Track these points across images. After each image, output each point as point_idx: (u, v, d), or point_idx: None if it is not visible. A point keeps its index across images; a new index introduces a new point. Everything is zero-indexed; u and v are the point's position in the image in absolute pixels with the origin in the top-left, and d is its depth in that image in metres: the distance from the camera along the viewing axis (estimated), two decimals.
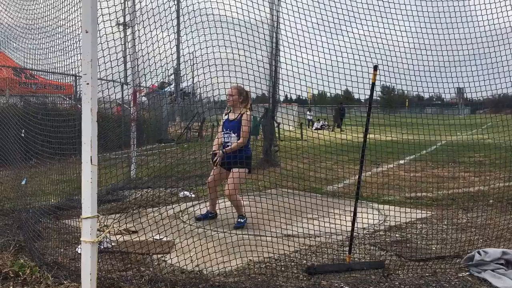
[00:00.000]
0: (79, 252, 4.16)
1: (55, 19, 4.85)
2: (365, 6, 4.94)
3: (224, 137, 5.91)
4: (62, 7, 4.61)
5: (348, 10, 4.86)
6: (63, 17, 4.62)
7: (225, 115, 6.04)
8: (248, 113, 5.83)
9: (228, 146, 5.81)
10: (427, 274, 4.19)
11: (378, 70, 4.32)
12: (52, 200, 6.35)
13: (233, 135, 5.81)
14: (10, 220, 5.77)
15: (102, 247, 4.57)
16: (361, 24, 4.97)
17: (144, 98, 16.25)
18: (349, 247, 4.52)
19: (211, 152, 5.92)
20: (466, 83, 5.10)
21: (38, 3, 5.28)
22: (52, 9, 4.92)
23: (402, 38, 4.97)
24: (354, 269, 4.29)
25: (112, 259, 4.32)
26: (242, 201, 5.81)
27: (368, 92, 4.34)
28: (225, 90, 5.64)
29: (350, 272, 4.25)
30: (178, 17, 5.90)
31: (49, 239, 5.09)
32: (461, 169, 10.88)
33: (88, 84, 3.16)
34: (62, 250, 4.71)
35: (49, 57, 5.45)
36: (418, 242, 5.23)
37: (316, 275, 4.15)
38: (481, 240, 5.16)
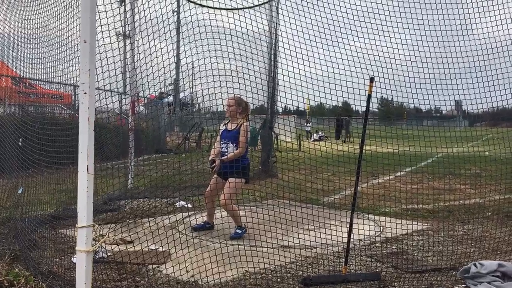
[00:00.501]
0: (74, 261, 4.15)
1: (54, 29, 4.89)
2: (363, 19, 5.00)
3: (222, 147, 5.92)
4: (61, 17, 4.65)
5: (345, 23, 4.91)
6: (62, 27, 4.66)
7: (223, 125, 6.06)
8: (246, 123, 5.85)
9: (225, 156, 5.83)
10: (423, 286, 4.18)
11: (374, 82, 4.36)
12: (49, 210, 6.34)
13: (230, 145, 5.82)
14: (6, 229, 5.75)
15: (97, 256, 4.56)
16: (357, 36, 5.02)
17: (142, 108, 16.27)
18: (345, 258, 4.51)
19: (209, 159, 5.93)
20: (464, 95, 5.14)
21: (38, 13, 5.32)
22: (52, 19, 4.96)
23: (400, 50, 5.02)
24: (350, 280, 4.28)
25: (107, 269, 4.31)
26: (238, 211, 5.80)
27: (364, 104, 4.37)
28: (222, 100, 5.68)
29: (346, 283, 4.24)
30: (177, 28, 5.94)
31: (45, 248, 5.07)
32: (458, 181, 10.89)
33: (85, 93, 3.18)
34: (57, 259, 4.69)
35: (48, 66, 5.48)
36: (415, 254, 5.22)
37: (312, 287, 4.13)
38: (478, 253, 5.15)
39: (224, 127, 6.00)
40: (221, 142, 5.94)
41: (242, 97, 5.64)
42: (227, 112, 5.98)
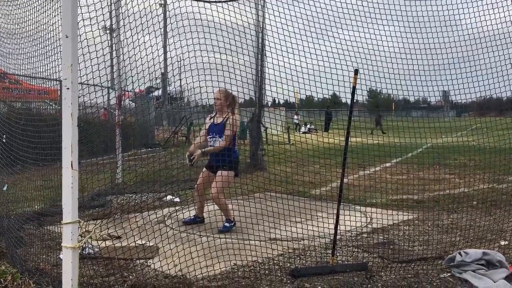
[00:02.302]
0: (61, 258, 4.13)
1: (36, 23, 4.83)
2: (350, 12, 5.00)
3: (209, 141, 5.90)
4: (43, 12, 4.59)
5: (333, 16, 4.91)
6: (45, 22, 4.60)
7: (210, 118, 6.03)
8: (233, 117, 5.82)
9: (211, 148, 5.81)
10: (409, 276, 4.23)
11: (361, 74, 4.37)
12: (36, 206, 6.29)
13: (219, 139, 5.80)
14: None
15: (84, 252, 4.54)
16: (347, 29, 5.01)
17: (129, 102, 16.17)
18: (332, 249, 4.55)
19: (187, 154, 5.89)
20: (451, 85, 5.18)
21: (19, 7, 5.25)
22: (34, 14, 4.89)
23: (386, 42, 5.04)
24: (338, 271, 4.32)
25: (94, 264, 4.30)
26: (227, 205, 5.80)
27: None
28: (213, 94, 5.65)
29: (333, 274, 4.28)
30: (164, 21, 5.90)
31: (31, 245, 5.04)
32: (446, 171, 11.00)
33: (68, 89, 3.15)
34: (44, 256, 4.67)
35: (33, 61, 5.41)
36: (401, 244, 5.27)
37: (299, 278, 4.16)
38: (463, 241, 5.22)
39: (211, 121, 5.97)
40: (209, 136, 5.91)
41: (229, 90, 5.62)
42: (215, 105, 5.95)
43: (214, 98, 5.86)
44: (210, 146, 5.86)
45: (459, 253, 4.27)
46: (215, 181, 5.67)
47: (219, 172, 5.67)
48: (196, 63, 4.54)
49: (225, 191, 5.79)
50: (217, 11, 4.73)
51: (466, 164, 11.21)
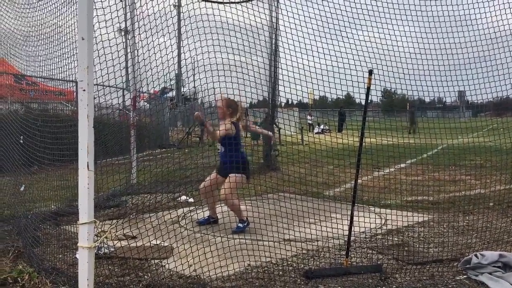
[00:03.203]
0: (77, 257, 4.18)
1: (53, 26, 4.90)
2: (366, 12, 4.98)
3: (218, 148, 6.01)
4: (60, 14, 4.66)
5: (348, 17, 4.90)
6: (61, 24, 4.67)
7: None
8: (228, 123, 5.80)
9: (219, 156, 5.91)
10: (424, 278, 4.19)
11: (375, 75, 4.35)
12: (52, 206, 6.38)
13: (220, 146, 5.90)
14: (9, 227, 5.79)
15: (100, 252, 4.59)
16: (356, 29, 5.00)
17: (144, 103, 16.28)
18: (346, 251, 4.53)
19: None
20: (467, 86, 5.13)
21: (36, 10, 5.33)
22: (51, 16, 4.97)
23: (402, 42, 5.01)
24: (352, 273, 4.30)
25: (110, 264, 4.34)
26: (239, 206, 5.82)
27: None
28: (227, 95, 5.66)
29: (347, 276, 4.26)
30: (179, 22, 5.93)
31: (48, 245, 5.11)
32: (462, 172, 10.87)
33: (84, 90, 3.19)
34: (60, 255, 4.73)
35: (49, 63, 5.49)
36: (417, 246, 5.23)
37: (313, 279, 4.15)
38: (480, 243, 5.15)
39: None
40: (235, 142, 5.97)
41: (233, 97, 5.61)
42: (218, 113, 6.02)
43: (217, 106, 5.92)
44: (218, 151, 5.95)
45: (475, 255, 4.22)
46: (225, 182, 5.72)
47: (230, 175, 5.71)
48: (215, 63, 4.57)
49: (236, 192, 5.82)
50: (231, 12, 4.75)
51: (483, 165, 11.08)
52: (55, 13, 4.80)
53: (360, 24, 4.97)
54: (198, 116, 5.70)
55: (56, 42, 5.00)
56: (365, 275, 4.27)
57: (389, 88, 5.47)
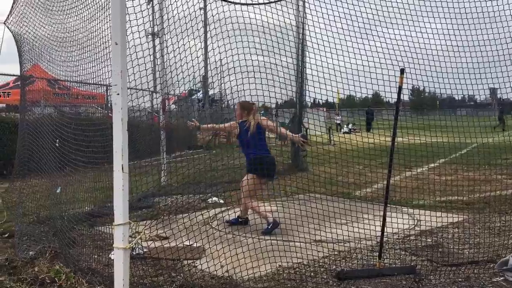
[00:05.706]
0: (112, 258, 4.26)
1: (86, 32, 5.01)
2: (396, 10, 4.91)
3: (243, 147, 6.23)
4: (93, 20, 4.76)
5: (376, 15, 4.84)
6: (95, 29, 4.76)
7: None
8: (259, 120, 6.05)
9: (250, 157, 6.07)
10: (460, 279, 4.11)
11: (405, 73, 4.29)
12: (86, 208, 6.52)
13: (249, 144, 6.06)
14: (46, 228, 5.95)
15: (134, 253, 4.66)
16: (392, 27, 4.93)
17: (173, 106, 16.47)
18: (379, 252, 4.48)
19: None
20: (500, 83, 4.99)
21: (70, 17, 5.46)
22: (84, 22, 5.08)
23: (431, 40, 4.92)
24: (385, 274, 4.25)
25: (144, 265, 4.41)
26: (259, 207, 5.86)
27: (396, 96, 4.30)
28: (251, 96, 5.71)
29: (380, 277, 4.21)
30: (205, 25, 5.98)
31: (83, 245, 5.23)
32: (496, 171, 10.60)
33: (118, 94, 3.25)
34: (96, 256, 4.83)
35: (82, 68, 5.62)
36: (451, 247, 5.13)
37: (346, 281, 4.13)
38: None
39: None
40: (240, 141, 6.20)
41: (246, 100, 5.70)
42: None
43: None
44: (244, 151, 6.19)
45: None
46: (241, 185, 5.91)
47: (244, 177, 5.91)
48: (239, 66, 4.59)
49: (253, 195, 5.92)
50: (257, 14, 4.75)
51: None
52: (88, 19, 4.91)
53: (391, 22, 4.89)
54: (194, 126, 6.35)
55: (90, 47, 5.11)
56: (398, 276, 4.22)
57: (417, 86, 5.39)
